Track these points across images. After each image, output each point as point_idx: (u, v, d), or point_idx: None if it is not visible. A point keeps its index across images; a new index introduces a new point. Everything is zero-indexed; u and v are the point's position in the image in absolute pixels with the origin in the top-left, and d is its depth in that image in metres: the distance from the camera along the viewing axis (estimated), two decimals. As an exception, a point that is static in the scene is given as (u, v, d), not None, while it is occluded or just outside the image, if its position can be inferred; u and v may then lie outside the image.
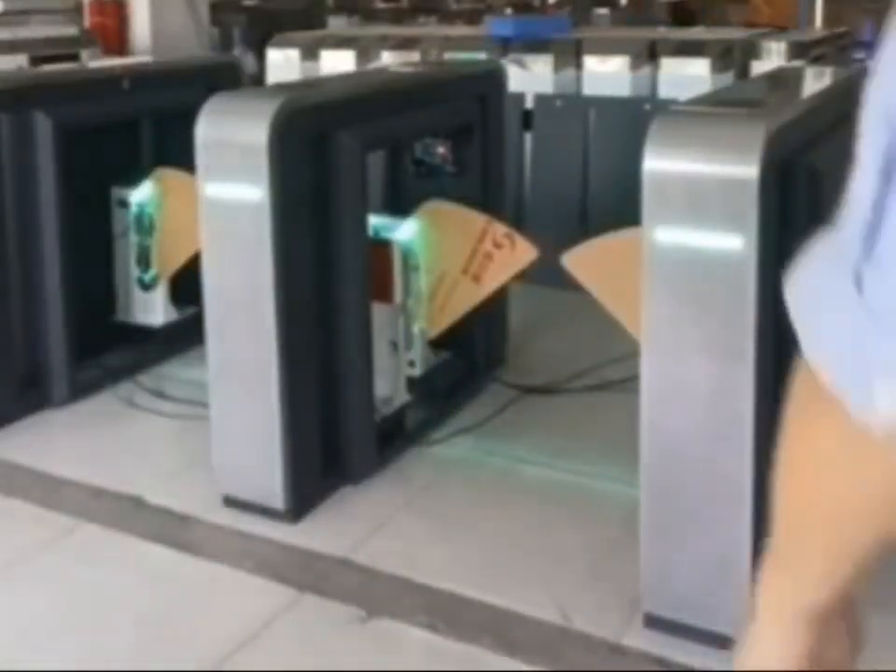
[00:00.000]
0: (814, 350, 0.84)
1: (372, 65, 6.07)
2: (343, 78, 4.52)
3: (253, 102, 3.23)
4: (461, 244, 3.62)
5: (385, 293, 3.49)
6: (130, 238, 4.36)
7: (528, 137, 5.43)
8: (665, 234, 2.45)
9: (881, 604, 2.76)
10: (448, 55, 5.94)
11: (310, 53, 6.48)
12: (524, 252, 3.59)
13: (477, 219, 3.63)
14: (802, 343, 0.85)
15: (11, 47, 6.20)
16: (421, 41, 6.40)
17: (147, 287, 4.41)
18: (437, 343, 3.91)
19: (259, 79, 6.62)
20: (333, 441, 3.31)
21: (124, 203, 4.35)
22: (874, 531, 0.90)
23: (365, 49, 6.36)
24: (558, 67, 5.73)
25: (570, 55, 5.78)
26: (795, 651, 1.02)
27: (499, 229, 3.59)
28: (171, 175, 4.23)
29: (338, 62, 6.23)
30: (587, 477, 3.42)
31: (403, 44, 6.38)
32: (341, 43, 6.57)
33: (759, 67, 5.47)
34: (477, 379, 4.07)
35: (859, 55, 7.16)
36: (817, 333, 0.84)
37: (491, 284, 3.64)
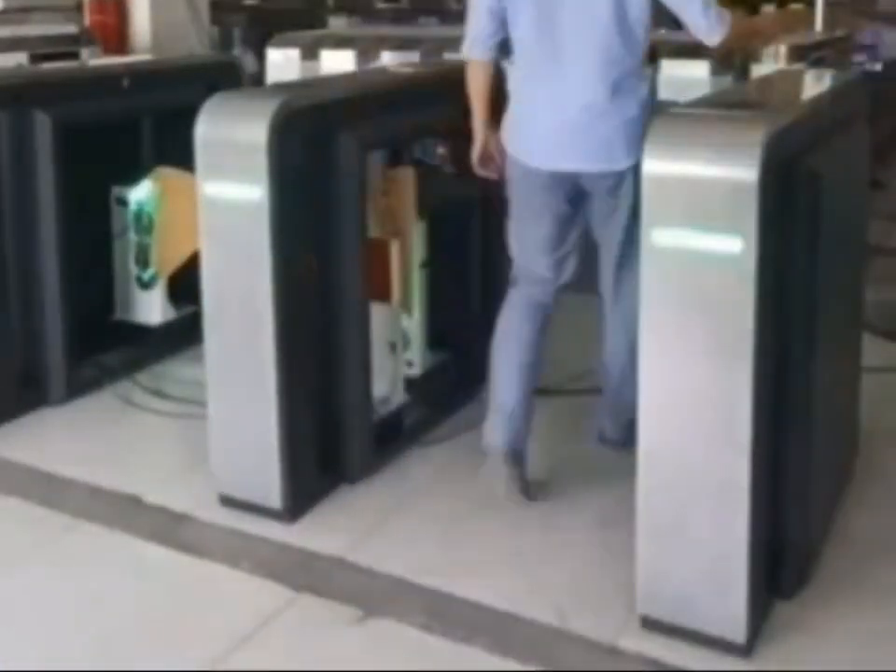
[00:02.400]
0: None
1: (372, 65, 6.07)
2: (342, 78, 4.52)
3: (252, 101, 3.23)
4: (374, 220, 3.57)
5: (383, 293, 3.49)
6: (129, 237, 4.37)
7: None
8: (665, 236, 2.45)
9: (883, 604, 2.77)
10: (448, 55, 5.94)
11: (310, 53, 6.48)
12: (404, 175, 3.61)
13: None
14: None
15: (11, 44, 6.20)
16: (421, 41, 6.40)
17: (145, 285, 4.41)
18: (435, 344, 3.91)
19: (258, 79, 6.61)
20: (331, 440, 3.31)
21: (123, 202, 4.36)
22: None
23: (365, 49, 6.36)
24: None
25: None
26: None
27: (376, 182, 3.55)
28: (170, 174, 4.23)
29: (338, 62, 6.23)
30: (584, 478, 3.42)
31: (403, 44, 6.37)
32: (341, 43, 6.57)
33: (758, 70, 5.47)
34: (475, 380, 4.07)
35: (859, 58, 7.17)
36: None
37: (407, 221, 3.61)
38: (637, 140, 2.92)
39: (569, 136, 3.11)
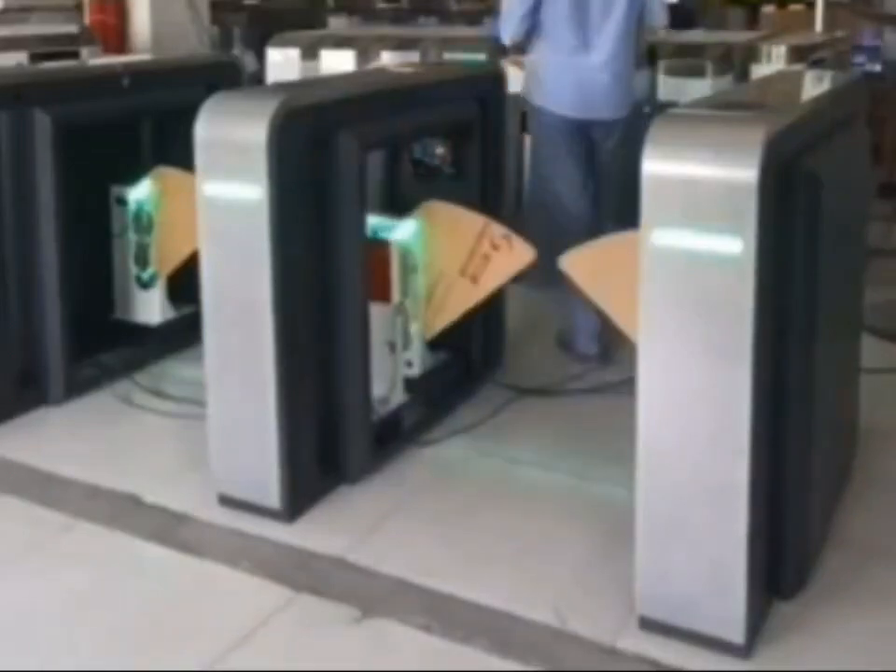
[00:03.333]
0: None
1: (372, 65, 6.07)
2: (342, 78, 4.53)
3: (252, 101, 3.23)
4: (459, 244, 3.62)
5: (383, 293, 3.49)
6: (128, 236, 4.36)
7: (528, 138, 5.43)
8: (664, 236, 2.45)
9: (883, 604, 2.77)
10: (448, 55, 5.95)
11: (310, 53, 6.49)
12: (521, 254, 3.59)
13: (475, 220, 3.63)
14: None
15: (11, 44, 6.20)
16: (421, 41, 6.41)
17: (145, 285, 4.41)
18: (434, 344, 3.91)
19: (258, 78, 6.62)
20: (330, 440, 3.31)
21: (123, 202, 4.35)
22: None
23: (365, 49, 6.37)
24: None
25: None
26: None
27: (497, 230, 3.59)
28: (170, 173, 4.23)
29: (338, 62, 6.24)
30: (583, 479, 3.42)
31: (403, 44, 6.38)
32: (341, 43, 6.57)
33: (758, 71, 5.48)
34: (474, 380, 4.08)
35: (859, 59, 7.17)
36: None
37: (488, 285, 3.63)
38: (630, 96, 4.41)
39: (593, 95, 4.28)
